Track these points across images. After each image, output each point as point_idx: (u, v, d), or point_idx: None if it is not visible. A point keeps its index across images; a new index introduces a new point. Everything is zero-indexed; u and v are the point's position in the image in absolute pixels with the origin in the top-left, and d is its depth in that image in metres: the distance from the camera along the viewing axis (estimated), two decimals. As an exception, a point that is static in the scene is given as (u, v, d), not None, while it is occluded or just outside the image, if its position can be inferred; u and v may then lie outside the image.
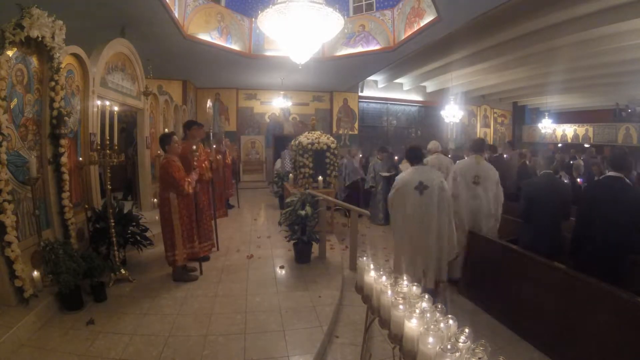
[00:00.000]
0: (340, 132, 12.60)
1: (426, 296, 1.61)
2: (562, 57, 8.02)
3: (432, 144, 5.77)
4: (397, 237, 3.50)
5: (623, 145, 11.92)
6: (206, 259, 4.25)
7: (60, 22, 3.27)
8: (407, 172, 3.41)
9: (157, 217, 4.17)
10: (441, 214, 3.22)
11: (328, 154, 6.15)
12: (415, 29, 6.98)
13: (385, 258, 5.12)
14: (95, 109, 4.23)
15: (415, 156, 3.41)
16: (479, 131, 15.44)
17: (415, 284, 1.78)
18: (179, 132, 7.28)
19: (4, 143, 2.69)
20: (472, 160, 4.00)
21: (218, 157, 5.26)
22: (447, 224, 3.26)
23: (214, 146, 5.80)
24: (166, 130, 6.83)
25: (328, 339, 2.84)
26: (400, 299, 1.59)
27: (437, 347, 1.25)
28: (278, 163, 9.76)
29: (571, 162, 7.12)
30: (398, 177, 3.48)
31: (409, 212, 3.26)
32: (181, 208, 3.69)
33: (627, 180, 2.85)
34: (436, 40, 7.08)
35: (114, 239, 3.64)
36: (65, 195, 3.46)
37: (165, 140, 3.76)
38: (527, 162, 6.95)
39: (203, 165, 4.28)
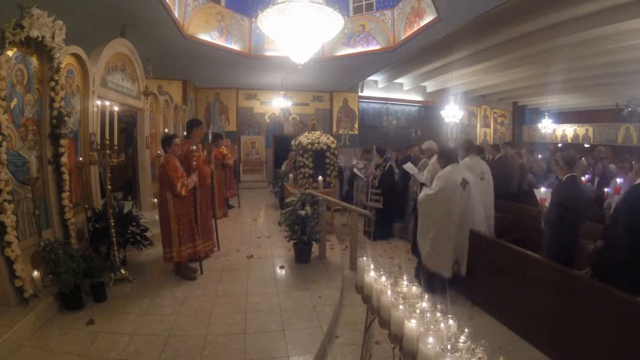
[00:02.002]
0: (340, 132, 12.59)
1: (426, 296, 1.61)
2: (562, 57, 7.98)
3: (428, 144, 5.36)
4: (438, 229, 3.67)
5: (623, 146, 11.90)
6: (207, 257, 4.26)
7: (60, 22, 3.26)
8: (448, 171, 3.70)
9: (157, 217, 4.17)
10: (474, 207, 3.76)
11: (328, 154, 6.15)
12: (415, 29, 6.98)
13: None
14: (95, 109, 4.23)
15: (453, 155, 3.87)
16: (479, 131, 15.42)
17: (416, 284, 1.79)
18: (179, 132, 7.30)
19: (4, 143, 2.69)
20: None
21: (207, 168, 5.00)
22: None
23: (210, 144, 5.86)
24: (166, 130, 6.83)
25: (328, 339, 2.84)
26: (400, 299, 1.59)
27: (437, 347, 1.25)
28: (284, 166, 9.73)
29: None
30: (442, 175, 3.71)
31: (455, 207, 3.59)
32: (177, 208, 3.70)
33: None
34: (436, 40, 7.06)
35: (114, 239, 3.64)
36: (65, 195, 3.46)
37: (166, 142, 3.82)
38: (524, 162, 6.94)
39: (209, 168, 4.31)
